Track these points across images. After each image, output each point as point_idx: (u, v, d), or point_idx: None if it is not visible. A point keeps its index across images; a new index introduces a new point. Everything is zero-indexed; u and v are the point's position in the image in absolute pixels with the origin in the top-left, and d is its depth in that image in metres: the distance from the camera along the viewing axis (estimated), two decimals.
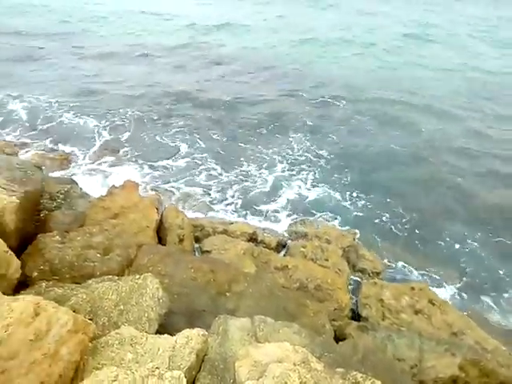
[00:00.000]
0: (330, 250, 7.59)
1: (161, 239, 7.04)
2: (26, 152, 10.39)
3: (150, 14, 29.91)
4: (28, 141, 10.99)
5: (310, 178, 10.40)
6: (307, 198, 9.71)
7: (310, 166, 10.85)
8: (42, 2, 31.14)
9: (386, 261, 8.03)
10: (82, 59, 18.51)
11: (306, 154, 11.45)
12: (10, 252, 4.20)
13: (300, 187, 10.04)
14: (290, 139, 12.19)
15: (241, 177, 10.26)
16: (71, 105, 13.45)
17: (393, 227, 8.92)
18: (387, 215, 9.22)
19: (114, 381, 2.43)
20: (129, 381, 2.43)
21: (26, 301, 2.98)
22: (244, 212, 9.06)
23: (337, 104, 14.94)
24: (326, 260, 7.36)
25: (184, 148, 11.27)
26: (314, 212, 9.17)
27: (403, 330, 5.99)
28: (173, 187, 9.39)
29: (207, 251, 6.98)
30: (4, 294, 3.37)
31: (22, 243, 5.29)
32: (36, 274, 4.81)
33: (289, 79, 17.34)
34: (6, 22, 24.73)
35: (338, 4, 38.73)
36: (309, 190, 10.00)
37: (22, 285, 4.58)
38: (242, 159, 11.00)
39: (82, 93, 14.57)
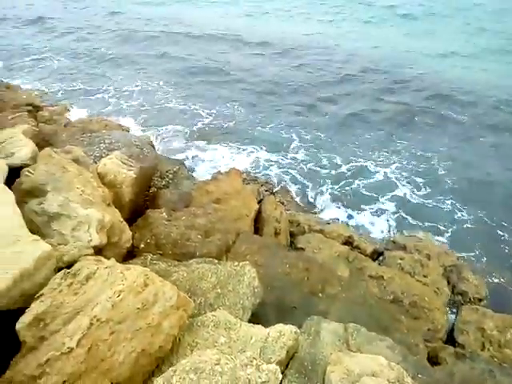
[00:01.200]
0: (430, 266, 7.13)
1: (257, 229, 7.14)
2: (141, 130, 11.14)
3: None
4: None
5: (421, 184, 9.81)
6: (414, 205, 9.17)
7: (422, 172, 10.23)
8: None
9: (492, 287, 7.35)
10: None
11: (424, 156, 10.84)
12: (123, 222, 4.51)
13: (408, 192, 9.51)
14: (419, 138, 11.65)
15: (348, 173, 10.02)
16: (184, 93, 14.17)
17: (508, 250, 8.10)
18: (504, 236, 8.38)
19: (217, 364, 2.48)
20: (230, 367, 2.47)
21: (137, 271, 3.16)
22: (343, 211, 8.85)
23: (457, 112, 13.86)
24: (425, 276, 6.93)
25: (295, 141, 11.25)
26: (419, 223, 8.65)
27: (506, 367, 5.43)
28: (274, 178, 9.47)
29: (301, 248, 6.93)
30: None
31: (133, 215, 5.67)
32: (142, 245, 5.11)
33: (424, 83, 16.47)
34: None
35: None
36: (417, 196, 9.45)
37: (129, 254, 4.91)
38: (356, 152, 10.76)
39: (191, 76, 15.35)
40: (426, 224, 8.59)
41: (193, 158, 9.99)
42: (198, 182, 7.41)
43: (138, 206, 5.94)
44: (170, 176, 7.52)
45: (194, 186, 7.35)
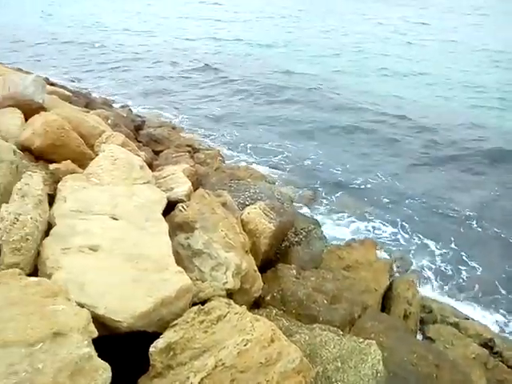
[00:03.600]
0: None
1: (383, 307, 6.74)
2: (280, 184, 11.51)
3: None
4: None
5: None
6: None
7: None
8: None
9: None
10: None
11: None
12: (257, 272, 4.64)
13: None
14: None
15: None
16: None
17: None
18: None
19: None
20: None
21: (266, 325, 3.18)
22: (479, 303, 7.93)
23: None
24: None
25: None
26: None
27: None
28: (410, 256, 8.93)
29: (431, 339, 6.32)
30: None
31: (264, 266, 5.80)
32: (268, 298, 5.16)
33: None
34: None
35: None
36: None
37: (254, 303, 5.00)
38: None
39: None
40: None
41: (327, 220, 9.99)
42: (331, 246, 7.34)
43: (270, 258, 6.06)
44: (304, 234, 7.57)
45: (326, 249, 7.29)
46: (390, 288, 6.93)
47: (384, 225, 10.21)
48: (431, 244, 9.60)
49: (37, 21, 39.61)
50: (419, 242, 9.63)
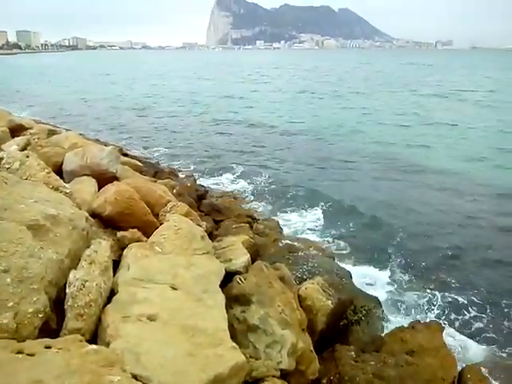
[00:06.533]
0: None
1: None
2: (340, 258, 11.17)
3: None
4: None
5: None
6: None
7: None
8: None
9: None
10: None
11: None
12: (313, 352, 4.45)
13: None
14: None
15: None
16: None
17: None
18: None
19: None
20: None
21: None
22: None
23: None
24: None
25: None
26: None
27: None
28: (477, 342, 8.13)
29: None
30: None
31: (320, 345, 5.55)
32: (325, 381, 4.89)
33: None
34: None
35: None
36: None
37: None
38: None
39: None
40: None
41: (389, 299, 9.47)
42: (393, 328, 6.91)
43: (328, 336, 5.81)
44: (364, 312, 7.23)
45: (387, 330, 6.88)
46: (459, 379, 6.33)
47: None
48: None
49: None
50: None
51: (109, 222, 6.14)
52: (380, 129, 28.82)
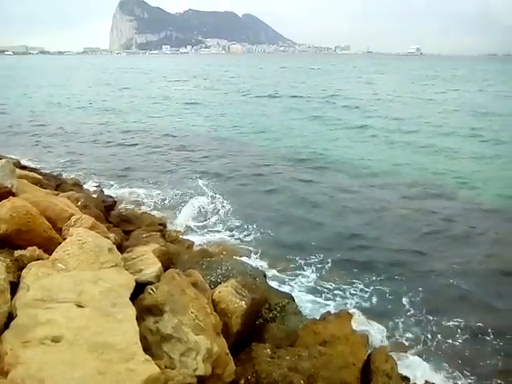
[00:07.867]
0: None
1: (363, 382, 6.51)
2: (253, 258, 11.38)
3: None
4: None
5: None
6: None
7: None
8: None
9: None
10: None
11: None
12: (229, 355, 4.49)
13: None
14: None
15: None
16: None
17: None
18: None
19: None
20: None
21: None
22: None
23: None
24: None
25: None
26: None
27: None
28: (382, 325, 8.76)
29: None
30: None
31: (237, 347, 5.62)
32: (242, 382, 4.96)
33: None
34: None
35: None
36: None
37: None
38: None
39: None
40: None
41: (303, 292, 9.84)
42: (306, 321, 7.20)
43: (244, 337, 5.90)
44: (278, 309, 7.44)
45: (301, 324, 7.14)
46: (367, 361, 6.75)
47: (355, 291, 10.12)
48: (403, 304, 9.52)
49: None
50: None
51: (5, 241, 5.67)
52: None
